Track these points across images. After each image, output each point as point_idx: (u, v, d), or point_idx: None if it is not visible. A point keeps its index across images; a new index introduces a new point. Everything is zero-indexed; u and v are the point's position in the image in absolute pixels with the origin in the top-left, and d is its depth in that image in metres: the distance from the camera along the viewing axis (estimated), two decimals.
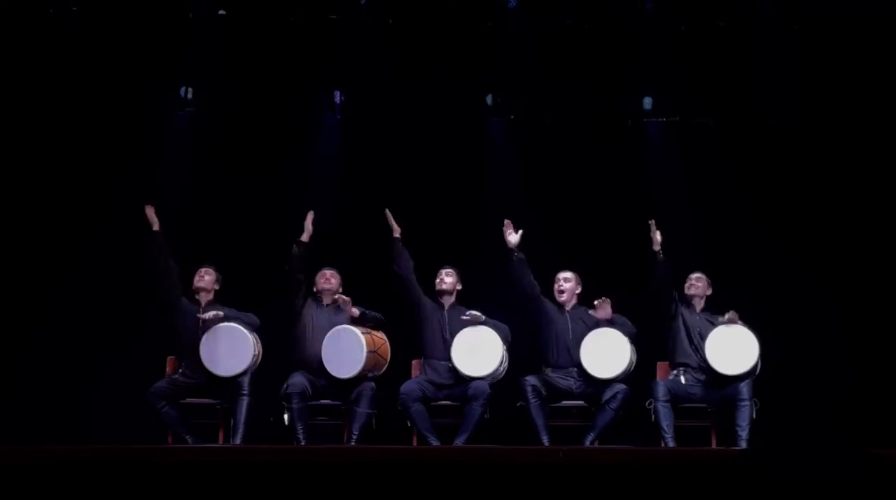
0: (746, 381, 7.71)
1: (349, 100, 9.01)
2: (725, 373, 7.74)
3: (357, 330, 7.81)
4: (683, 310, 8.03)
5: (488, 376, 7.80)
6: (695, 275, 8.08)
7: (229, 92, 8.84)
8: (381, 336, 7.95)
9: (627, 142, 9.03)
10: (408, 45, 8.86)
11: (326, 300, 8.06)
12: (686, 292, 8.06)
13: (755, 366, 7.75)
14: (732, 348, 7.76)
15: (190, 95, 8.85)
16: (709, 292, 8.09)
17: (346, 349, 7.79)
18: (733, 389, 7.71)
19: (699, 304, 8.05)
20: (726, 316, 7.82)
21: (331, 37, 8.82)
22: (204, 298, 7.98)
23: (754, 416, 7.67)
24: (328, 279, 8.05)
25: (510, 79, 8.89)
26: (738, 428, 7.64)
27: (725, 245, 8.73)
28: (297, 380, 7.76)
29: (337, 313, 7.98)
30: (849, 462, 4.00)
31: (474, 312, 7.91)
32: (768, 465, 3.96)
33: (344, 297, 7.91)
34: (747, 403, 7.66)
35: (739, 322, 7.81)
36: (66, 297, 8.68)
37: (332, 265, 8.13)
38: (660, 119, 8.99)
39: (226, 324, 7.80)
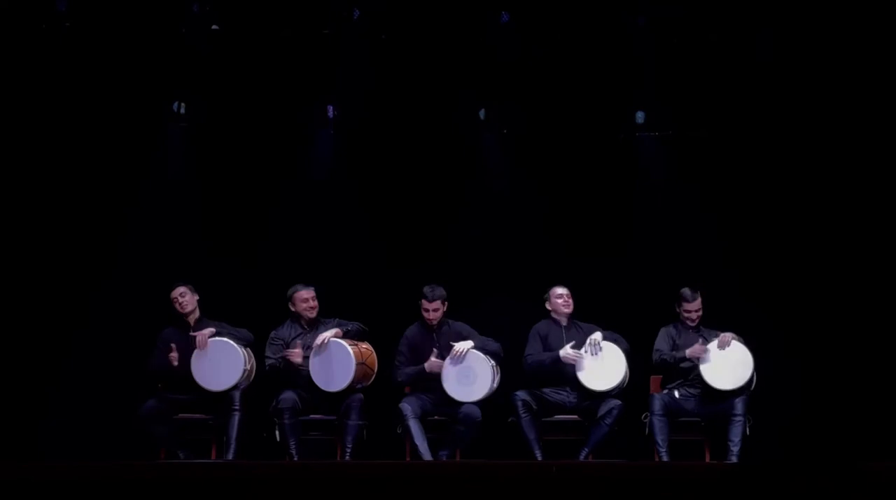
0: (741, 397, 7.73)
1: (342, 114, 9.00)
2: (720, 388, 7.76)
3: (345, 343, 7.79)
4: (673, 329, 8.05)
5: (481, 400, 7.79)
6: (694, 306, 8.00)
7: (222, 107, 8.83)
8: (367, 347, 7.92)
9: (620, 154, 9.01)
10: (400, 59, 8.86)
11: (308, 316, 7.99)
12: (683, 316, 8.03)
13: (750, 381, 7.76)
14: (727, 364, 7.76)
15: (182, 110, 8.84)
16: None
17: (335, 362, 7.75)
18: (728, 404, 7.74)
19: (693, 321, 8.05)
20: (718, 339, 7.80)
21: (324, 51, 8.82)
22: (192, 318, 7.95)
23: (747, 432, 7.70)
24: (312, 308, 7.95)
25: (503, 92, 8.89)
26: (730, 443, 7.69)
27: (720, 257, 8.73)
28: (288, 395, 7.74)
29: (315, 333, 7.87)
30: (838, 475, 4.00)
31: (463, 344, 7.85)
32: (761, 479, 3.96)
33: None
34: (741, 418, 7.69)
35: (732, 343, 7.80)
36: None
37: (315, 282, 8.07)
38: (652, 133, 8.99)
39: (216, 339, 7.78)
